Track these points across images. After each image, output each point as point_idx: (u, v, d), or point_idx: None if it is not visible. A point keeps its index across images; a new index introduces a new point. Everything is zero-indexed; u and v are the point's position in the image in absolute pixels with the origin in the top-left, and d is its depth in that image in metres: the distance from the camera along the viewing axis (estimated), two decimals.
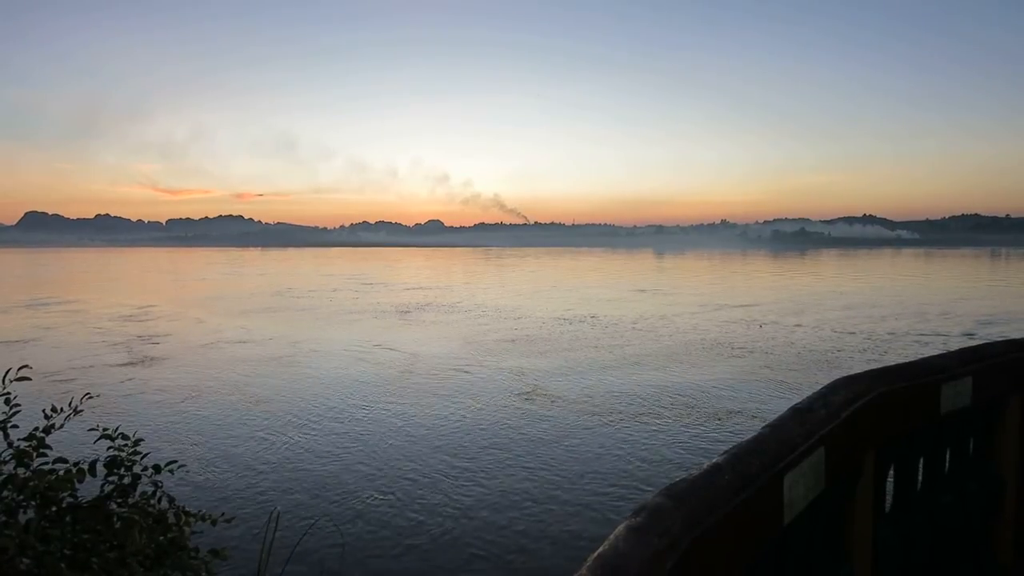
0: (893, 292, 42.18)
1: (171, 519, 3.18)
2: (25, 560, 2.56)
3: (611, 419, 13.11)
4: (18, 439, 2.97)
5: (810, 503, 1.40)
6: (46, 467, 2.92)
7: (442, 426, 12.82)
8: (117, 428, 3.24)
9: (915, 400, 1.89)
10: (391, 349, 21.80)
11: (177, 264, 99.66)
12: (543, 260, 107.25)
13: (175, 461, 3.30)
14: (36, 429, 3.02)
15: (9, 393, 3.03)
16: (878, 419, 1.72)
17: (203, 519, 3.30)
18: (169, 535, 3.11)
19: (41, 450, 2.97)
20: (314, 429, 12.70)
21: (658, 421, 12.97)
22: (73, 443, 3.24)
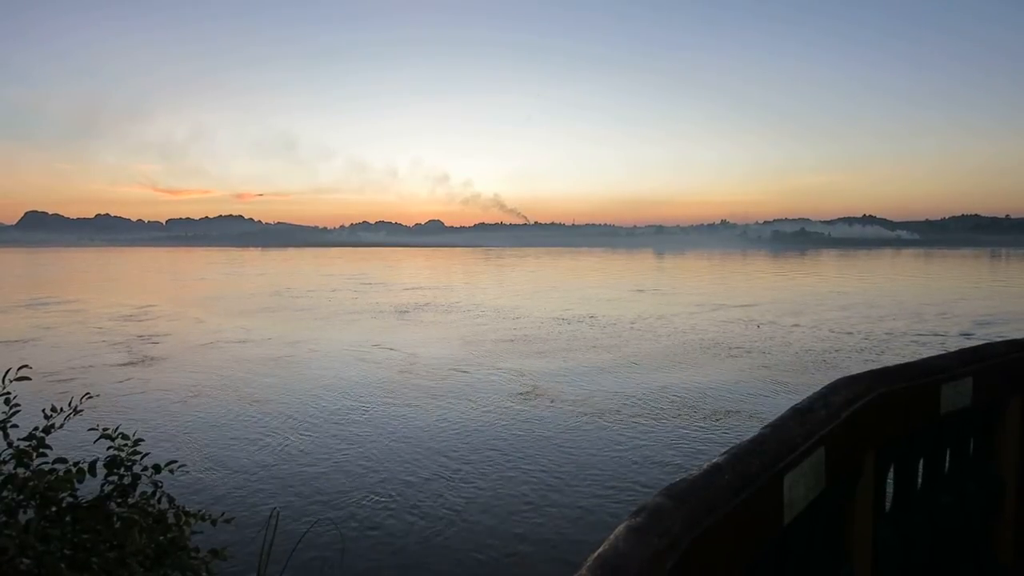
0: (892, 292, 42.20)
1: (171, 519, 3.18)
2: (25, 560, 2.56)
3: (609, 419, 13.11)
4: (18, 439, 2.97)
5: (810, 503, 1.40)
6: (46, 467, 2.92)
7: (441, 427, 12.82)
8: (117, 428, 3.24)
9: (915, 400, 1.89)
10: (390, 349, 21.81)
11: (177, 264, 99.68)
12: (543, 260, 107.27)
13: (175, 461, 3.30)
14: (36, 429, 3.02)
15: (9, 393, 3.03)
16: (878, 419, 1.72)
17: (203, 519, 3.30)
18: (169, 535, 3.11)
19: (41, 450, 2.97)
20: (313, 429, 12.71)
21: (655, 421, 12.98)
22: (73, 443, 3.24)
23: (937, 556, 2.06)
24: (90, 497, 3.03)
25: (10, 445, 2.94)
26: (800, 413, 1.46)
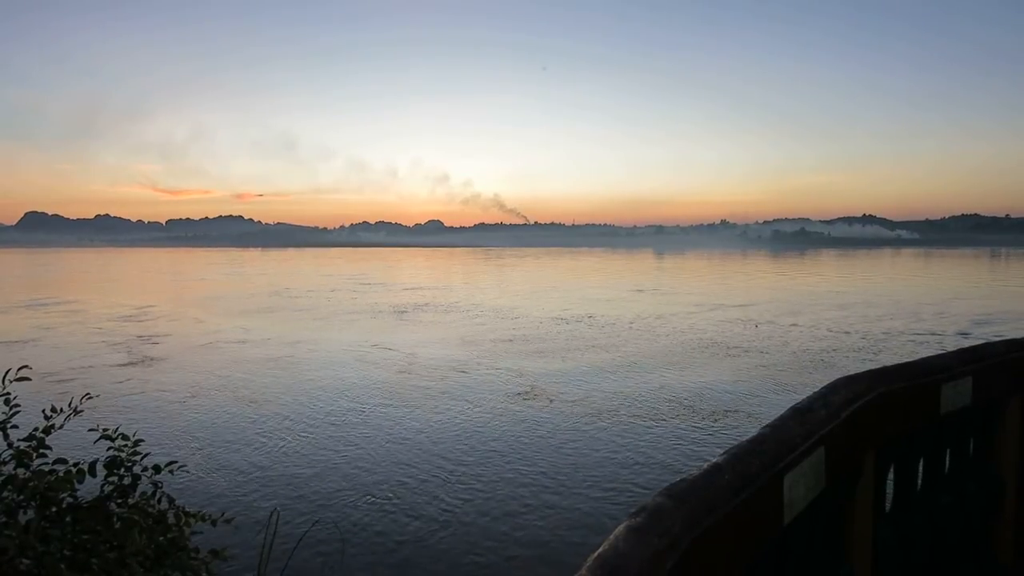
0: (890, 292, 42.21)
1: (171, 519, 3.18)
2: (25, 560, 2.56)
3: (607, 419, 13.11)
4: (18, 439, 2.97)
5: (810, 503, 1.40)
6: (46, 467, 2.92)
7: (439, 427, 12.82)
8: (117, 428, 3.24)
9: (915, 400, 1.89)
10: (388, 349, 21.81)
11: (177, 264, 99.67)
12: (542, 260, 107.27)
13: (175, 461, 3.30)
14: (36, 429, 3.02)
15: (9, 393, 3.04)
16: (878, 419, 1.72)
17: (203, 519, 3.30)
18: (169, 535, 3.11)
19: (41, 450, 2.97)
20: (313, 429, 12.71)
21: (653, 421, 12.98)
22: (73, 443, 3.24)
23: (937, 556, 2.06)
24: (90, 497, 3.03)
25: (10, 446, 2.95)
26: (800, 413, 1.46)
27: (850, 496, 1.74)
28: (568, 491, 9.52)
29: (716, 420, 13.06)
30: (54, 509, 2.87)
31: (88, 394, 3.29)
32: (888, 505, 1.94)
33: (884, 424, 1.76)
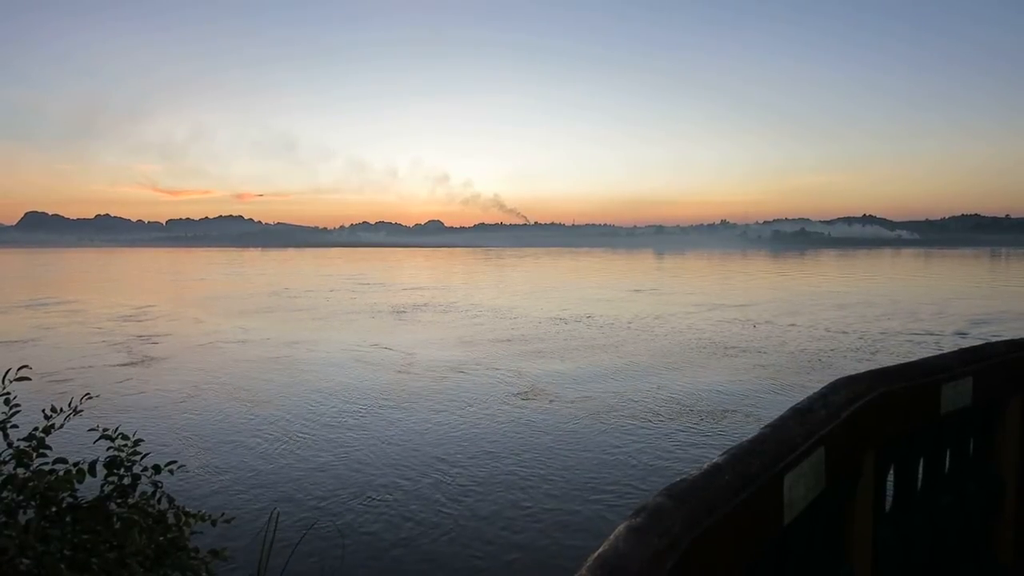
0: (889, 292, 42.22)
1: (171, 519, 3.18)
2: (25, 560, 2.56)
3: (606, 419, 13.12)
4: (18, 439, 2.97)
5: (810, 503, 1.40)
6: (46, 467, 2.92)
7: (438, 427, 12.82)
8: (117, 428, 3.24)
9: (915, 400, 1.89)
10: (387, 349, 21.81)
11: (177, 264, 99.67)
12: (542, 260, 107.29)
13: (175, 461, 3.30)
14: (36, 429, 3.02)
15: (9, 393, 3.04)
16: (878, 419, 1.72)
17: (203, 519, 3.30)
18: (169, 535, 3.11)
19: (41, 450, 2.97)
20: (312, 430, 12.71)
21: (651, 421, 12.98)
22: (73, 443, 3.24)
23: (937, 556, 2.06)
24: (90, 497, 3.03)
25: (10, 445, 2.95)
26: (800, 413, 1.46)
27: (850, 496, 1.74)
28: (566, 492, 9.51)
29: (714, 420, 13.06)
30: (54, 509, 2.87)
31: (88, 394, 3.29)
32: (888, 505, 1.94)
33: (884, 424, 1.76)
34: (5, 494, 2.80)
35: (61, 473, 2.90)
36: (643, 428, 12.51)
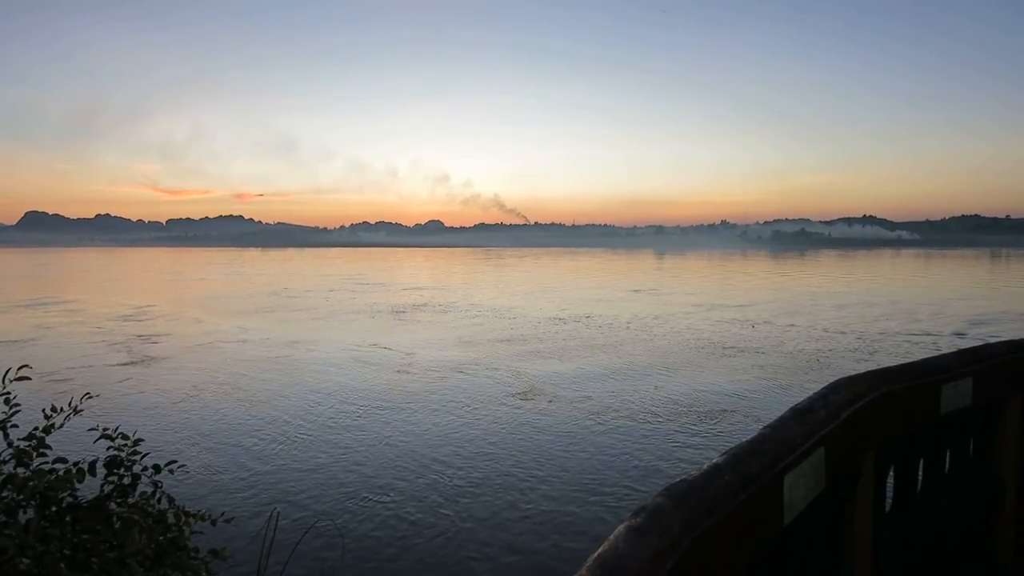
0: (888, 292, 42.24)
1: (171, 519, 3.18)
2: (25, 560, 2.56)
3: (605, 420, 13.12)
4: (18, 439, 2.97)
5: (810, 503, 1.40)
6: (46, 467, 2.92)
7: (438, 426, 12.83)
8: (117, 428, 3.24)
9: (915, 400, 1.89)
10: (387, 349, 21.82)
11: (177, 264, 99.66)
12: (542, 260, 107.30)
13: (175, 461, 3.30)
14: (36, 429, 3.02)
15: (9, 393, 3.04)
16: (878, 419, 1.72)
17: (203, 519, 3.30)
18: (169, 535, 3.11)
19: (41, 450, 2.97)
20: (312, 429, 12.71)
21: (650, 421, 12.99)
22: (73, 443, 3.24)
23: (937, 556, 2.06)
24: (90, 497, 3.03)
25: (10, 445, 2.94)
26: (800, 413, 1.46)
27: (850, 496, 1.74)
28: (566, 492, 9.52)
29: (712, 421, 13.07)
30: (54, 508, 2.87)
31: (88, 393, 3.29)
32: (888, 505, 1.94)
33: (884, 424, 1.76)
34: (5, 494, 2.80)
35: (61, 473, 2.90)
36: (641, 429, 12.51)
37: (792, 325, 26.45)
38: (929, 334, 24.16)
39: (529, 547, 7.93)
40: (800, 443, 1.37)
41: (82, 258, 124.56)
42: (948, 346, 20.71)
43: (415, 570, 7.49)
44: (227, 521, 3.37)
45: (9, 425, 2.98)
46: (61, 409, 3.15)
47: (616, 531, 0.96)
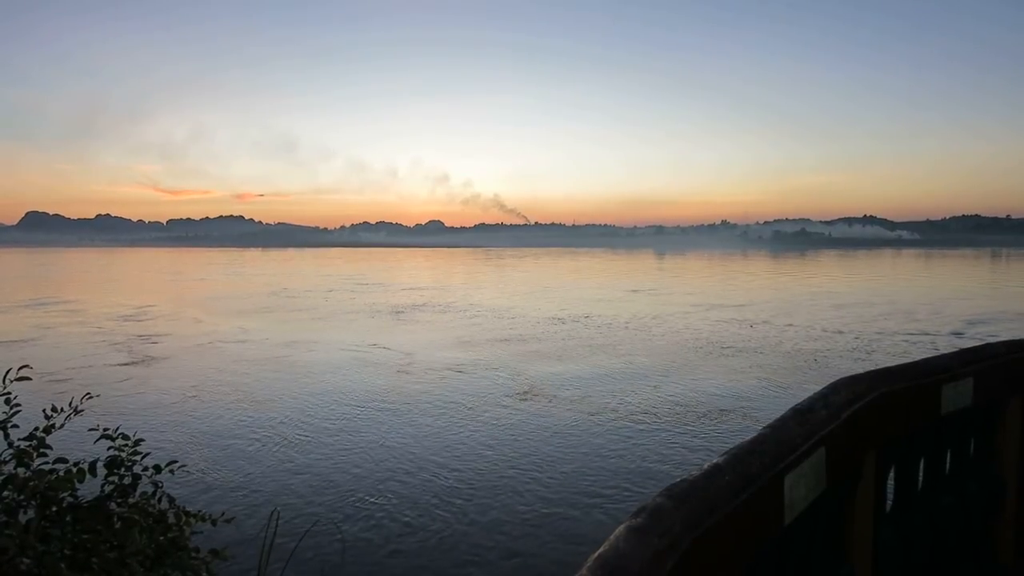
0: (887, 292, 42.26)
1: (171, 519, 3.18)
2: (25, 560, 2.56)
3: (604, 418, 13.13)
4: (18, 439, 2.97)
5: (811, 504, 1.40)
6: (46, 467, 2.92)
7: (438, 426, 12.83)
8: (117, 428, 3.24)
9: (916, 400, 1.89)
10: (386, 349, 21.83)
11: (177, 264, 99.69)
12: (542, 261, 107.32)
13: (175, 461, 3.30)
14: (36, 429, 3.02)
15: (9, 393, 3.04)
16: (879, 419, 1.72)
17: (203, 519, 3.30)
18: (169, 535, 3.11)
19: (41, 450, 2.97)
20: (312, 429, 12.71)
21: (648, 421, 12.99)
22: (73, 443, 3.24)
23: (938, 556, 2.06)
24: (90, 497, 3.03)
25: (10, 445, 2.94)
26: (800, 413, 1.46)
27: (851, 496, 1.74)
28: (565, 491, 9.52)
29: (710, 420, 13.07)
30: (54, 509, 2.87)
31: (88, 394, 3.29)
32: (889, 505, 1.94)
33: (885, 424, 1.76)
34: (6, 494, 2.81)
35: (61, 473, 2.90)
36: (640, 429, 12.52)
37: (790, 325, 26.46)
38: (927, 334, 24.18)
39: (527, 549, 7.93)
40: (801, 443, 1.37)
41: (82, 258, 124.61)
42: (946, 346, 20.73)
43: (415, 571, 7.50)
44: (227, 521, 3.37)
45: (9, 425, 2.98)
46: (61, 409, 3.15)
47: (617, 531, 0.96)
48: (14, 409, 3.01)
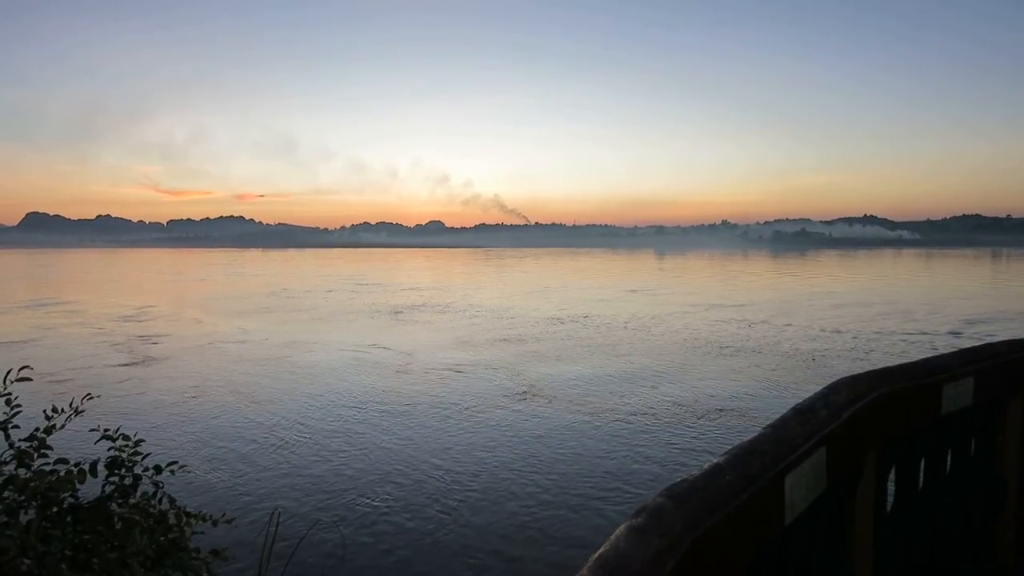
0: (886, 292, 42.27)
1: (172, 520, 3.18)
2: (26, 561, 2.56)
3: (602, 419, 13.13)
4: (19, 440, 2.97)
5: (811, 504, 1.40)
6: (47, 468, 2.92)
7: (436, 427, 12.83)
8: (118, 429, 3.24)
9: (916, 400, 1.89)
10: (386, 349, 21.84)
11: (177, 265, 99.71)
12: (542, 261, 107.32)
13: (176, 462, 3.30)
14: (37, 430, 3.02)
15: (10, 393, 3.04)
16: (879, 419, 1.72)
17: (204, 519, 3.31)
18: (170, 535, 3.11)
19: (42, 451, 2.97)
20: (312, 429, 12.72)
21: (647, 421, 13.00)
22: (74, 444, 3.25)
23: (938, 556, 2.06)
24: (91, 498, 3.03)
25: (11, 446, 2.95)
26: (801, 413, 1.46)
27: (851, 496, 1.74)
28: (566, 491, 9.52)
29: (709, 420, 13.07)
30: (55, 509, 2.87)
31: (89, 394, 3.29)
32: (889, 505, 1.94)
33: (885, 424, 1.76)
34: (6, 494, 2.81)
35: (62, 473, 2.90)
36: (638, 430, 12.52)
37: (789, 325, 26.47)
38: (925, 333, 24.21)
39: (527, 552, 7.93)
40: (801, 443, 1.37)
41: (83, 259, 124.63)
42: (944, 345, 20.74)
43: (416, 569, 7.50)
44: (228, 522, 3.37)
45: (10, 426, 2.98)
46: (62, 410, 3.15)
47: (617, 531, 0.96)
48: (15, 410, 3.01)
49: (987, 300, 37.84)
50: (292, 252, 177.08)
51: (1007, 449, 2.32)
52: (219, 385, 16.66)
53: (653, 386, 15.98)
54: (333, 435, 12.38)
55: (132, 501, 3.11)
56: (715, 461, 1.20)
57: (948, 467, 2.17)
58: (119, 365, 19.36)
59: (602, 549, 0.92)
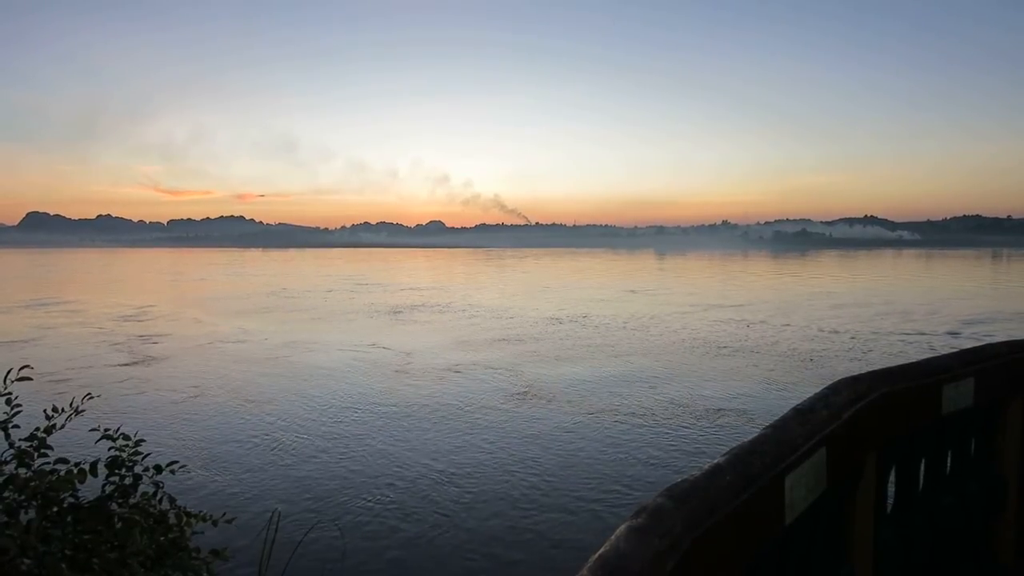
0: (885, 292, 42.27)
1: (172, 519, 3.18)
2: (26, 560, 2.56)
3: (601, 420, 13.14)
4: (19, 439, 2.97)
5: (811, 504, 1.40)
6: (47, 467, 2.92)
7: (437, 427, 12.83)
8: (118, 428, 3.24)
9: (917, 401, 1.89)
10: (385, 349, 21.85)
11: (178, 265, 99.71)
12: (543, 261, 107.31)
13: (176, 462, 3.30)
14: (37, 429, 3.02)
15: (10, 393, 3.04)
16: (880, 420, 1.72)
17: (204, 519, 3.30)
18: (170, 535, 3.11)
19: (42, 450, 2.97)
20: (313, 430, 12.72)
21: (646, 421, 13.00)
22: (74, 443, 3.24)
23: (938, 556, 2.06)
24: (91, 498, 3.03)
25: (11, 445, 2.95)
26: (801, 413, 1.46)
27: (851, 497, 1.74)
28: (563, 492, 9.52)
29: (708, 420, 13.07)
30: (55, 509, 2.87)
31: (89, 394, 3.29)
32: (890, 506, 1.94)
33: (886, 425, 1.76)
34: (7, 494, 2.81)
35: (62, 473, 2.90)
36: (637, 430, 12.51)
37: (787, 325, 26.47)
38: (923, 333, 24.22)
39: (526, 555, 7.93)
40: (801, 443, 1.37)
41: (83, 259, 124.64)
42: (942, 346, 20.74)
43: (416, 569, 7.50)
44: (228, 521, 3.37)
45: (10, 425, 2.98)
46: (62, 409, 3.15)
47: (617, 531, 0.96)
48: (15, 409, 3.01)
49: (987, 300, 37.84)
50: (292, 252, 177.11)
51: (1007, 449, 2.32)
52: (219, 385, 16.66)
53: (652, 386, 15.98)
54: (332, 435, 12.38)
55: (132, 501, 3.11)
56: (715, 461, 1.20)
57: (948, 467, 2.17)
58: (119, 365, 19.36)
59: (602, 549, 0.92)
